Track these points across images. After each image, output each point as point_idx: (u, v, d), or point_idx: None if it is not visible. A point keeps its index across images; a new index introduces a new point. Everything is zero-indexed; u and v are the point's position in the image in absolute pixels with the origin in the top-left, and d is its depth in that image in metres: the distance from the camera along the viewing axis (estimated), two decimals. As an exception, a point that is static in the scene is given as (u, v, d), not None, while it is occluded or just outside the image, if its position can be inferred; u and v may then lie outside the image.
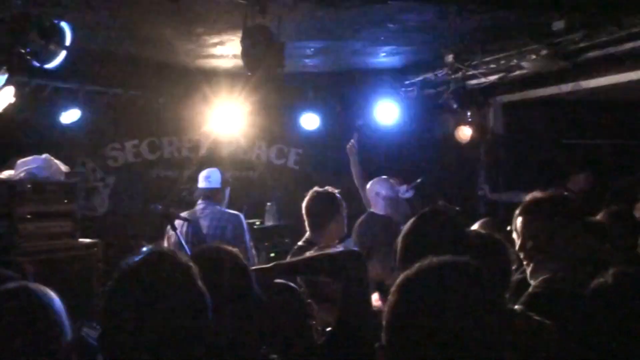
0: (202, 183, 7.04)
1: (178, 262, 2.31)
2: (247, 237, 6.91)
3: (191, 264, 2.33)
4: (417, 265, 1.95)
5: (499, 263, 2.92)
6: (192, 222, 6.75)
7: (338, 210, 5.26)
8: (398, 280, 1.96)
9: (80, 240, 6.79)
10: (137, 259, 2.33)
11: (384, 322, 1.95)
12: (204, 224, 6.80)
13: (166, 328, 2.17)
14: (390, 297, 1.95)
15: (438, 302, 1.84)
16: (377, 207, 6.98)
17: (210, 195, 6.96)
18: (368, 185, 7.16)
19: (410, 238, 2.96)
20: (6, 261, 5.13)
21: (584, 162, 8.79)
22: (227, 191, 7.16)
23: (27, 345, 2.60)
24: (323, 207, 5.22)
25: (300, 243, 5.21)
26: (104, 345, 2.26)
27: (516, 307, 3.04)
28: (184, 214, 6.79)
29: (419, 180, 7.91)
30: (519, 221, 3.46)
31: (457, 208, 7.48)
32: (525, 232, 3.39)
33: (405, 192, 7.86)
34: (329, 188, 5.37)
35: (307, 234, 5.26)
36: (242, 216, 6.95)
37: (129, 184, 9.48)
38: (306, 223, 5.30)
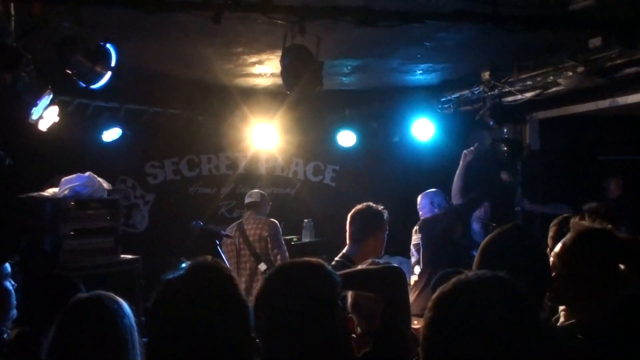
0: (247, 199, 8.11)
1: (221, 273, 2.37)
2: (278, 238, 7.72)
3: (234, 274, 2.40)
4: (452, 280, 1.97)
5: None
6: (232, 238, 7.20)
7: (380, 228, 5.28)
8: (434, 296, 1.98)
9: (122, 256, 6.89)
10: (180, 270, 2.40)
11: (420, 338, 1.96)
12: (247, 227, 7.68)
13: (210, 339, 2.22)
14: (427, 313, 1.96)
15: (473, 318, 1.85)
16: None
17: (253, 206, 7.91)
18: (420, 197, 7.68)
19: (489, 249, 2.95)
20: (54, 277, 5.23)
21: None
22: (268, 206, 8.11)
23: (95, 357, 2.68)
24: (367, 221, 5.26)
25: (337, 258, 5.23)
26: (150, 355, 2.32)
27: (560, 325, 3.05)
28: (233, 225, 7.89)
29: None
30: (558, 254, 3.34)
31: (494, 224, 7.51)
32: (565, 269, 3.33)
33: None
34: (380, 206, 5.42)
35: (345, 248, 5.29)
36: (276, 222, 7.86)
37: (169, 200, 9.59)
38: (347, 234, 5.34)
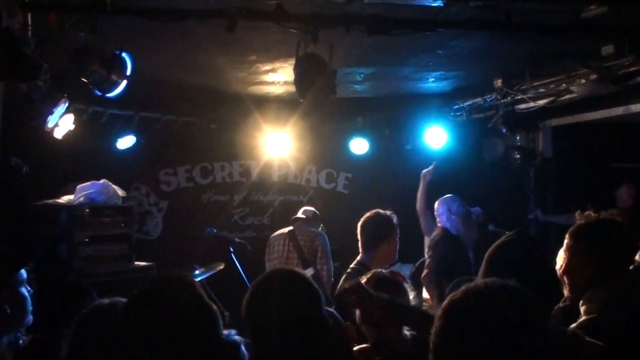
0: (303, 214, 8.16)
1: (182, 281, 2.40)
2: (327, 251, 7.76)
3: (193, 280, 2.43)
4: (462, 288, 1.98)
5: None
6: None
7: (392, 233, 5.30)
8: (444, 304, 1.99)
9: (136, 263, 6.94)
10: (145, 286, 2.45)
11: (431, 345, 1.97)
12: (299, 234, 7.81)
13: (175, 343, 2.25)
14: (437, 321, 1.97)
15: (482, 325, 1.86)
16: (449, 225, 7.36)
17: (305, 220, 8.01)
18: (437, 204, 7.52)
19: (495, 257, 2.97)
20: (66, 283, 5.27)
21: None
22: (318, 222, 8.21)
23: None
24: (377, 228, 5.28)
25: (352, 265, 5.24)
26: None
27: (569, 327, 3.06)
28: (283, 230, 7.90)
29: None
30: (568, 245, 3.34)
31: (507, 232, 7.49)
32: (576, 258, 3.34)
33: (479, 214, 8.16)
34: (388, 211, 5.42)
35: (359, 256, 5.31)
36: (324, 235, 7.90)
37: (182, 208, 9.64)
38: (359, 243, 5.35)
